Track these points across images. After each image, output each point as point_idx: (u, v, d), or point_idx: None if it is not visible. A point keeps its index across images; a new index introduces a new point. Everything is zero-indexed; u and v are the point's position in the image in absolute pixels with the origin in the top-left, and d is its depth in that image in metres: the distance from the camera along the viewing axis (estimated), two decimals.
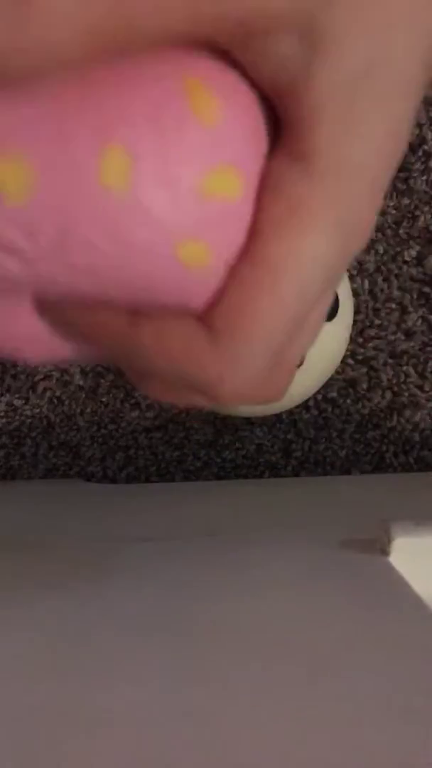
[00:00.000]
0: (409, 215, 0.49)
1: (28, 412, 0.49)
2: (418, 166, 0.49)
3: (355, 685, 0.25)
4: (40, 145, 0.13)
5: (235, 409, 0.44)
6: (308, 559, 0.35)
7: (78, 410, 0.49)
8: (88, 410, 0.49)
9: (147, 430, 0.50)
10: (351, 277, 0.49)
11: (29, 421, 0.49)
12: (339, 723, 0.22)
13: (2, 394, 0.49)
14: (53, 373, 0.49)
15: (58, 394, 0.49)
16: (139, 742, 0.22)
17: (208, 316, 0.15)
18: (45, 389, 0.49)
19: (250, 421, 0.50)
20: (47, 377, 0.49)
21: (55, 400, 0.49)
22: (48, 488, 0.48)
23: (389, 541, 0.35)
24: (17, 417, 0.49)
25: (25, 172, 0.13)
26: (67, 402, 0.49)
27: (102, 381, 0.49)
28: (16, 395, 0.49)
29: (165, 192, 0.13)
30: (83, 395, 0.49)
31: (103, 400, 0.49)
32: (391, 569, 0.34)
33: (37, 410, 0.49)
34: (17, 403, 0.49)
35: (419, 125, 0.48)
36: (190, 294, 0.15)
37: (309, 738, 0.22)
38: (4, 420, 0.49)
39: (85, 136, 0.13)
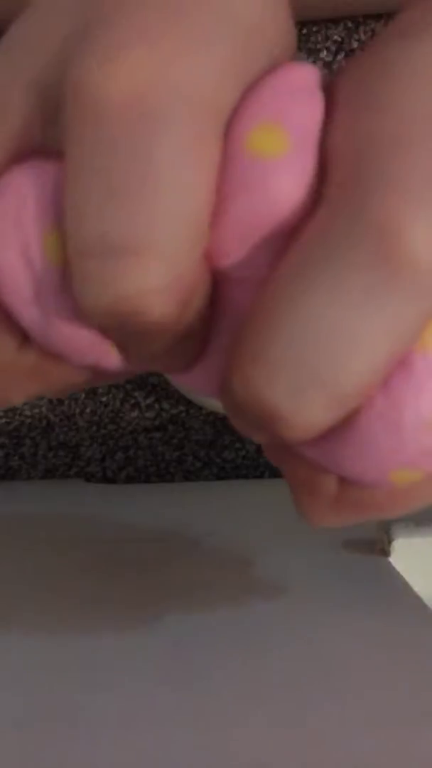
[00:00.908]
0: None
1: (28, 412, 0.49)
2: None
3: (355, 686, 0.24)
4: None
5: None
6: (308, 560, 0.35)
7: (77, 410, 0.49)
8: (88, 410, 0.49)
9: (147, 430, 0.50)
10: None
11: (28, 421, 0.49)
12: (339, 723, 0.22)
13: None
14: None
15: None
16: (138, 744, 0.22)
17: None
18: None
19: None
20: None
21: (55, 400, 0.49)
22: (47, 489, 0.48)
23: (389, 541, 0.35)
24: (16, 417, 0.49)
25: None
26: (66, 402, 0.49)
27: None
28: None
29: (389, 429, 0.13)
30: (82, 395, 0.49)
31: (103, 400, 0.49)
32: (391, 570, 0.34)
33: (37, 410, 0.49)
34: None
35: None
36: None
37: (309, 739, 0.22)
38: (3, 420, 0.49)
39: None
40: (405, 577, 0.33)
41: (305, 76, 0.13)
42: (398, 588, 0.32)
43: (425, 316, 0.12)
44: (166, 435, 0.50)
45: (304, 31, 0.46)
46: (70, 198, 0.12)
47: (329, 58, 0.47)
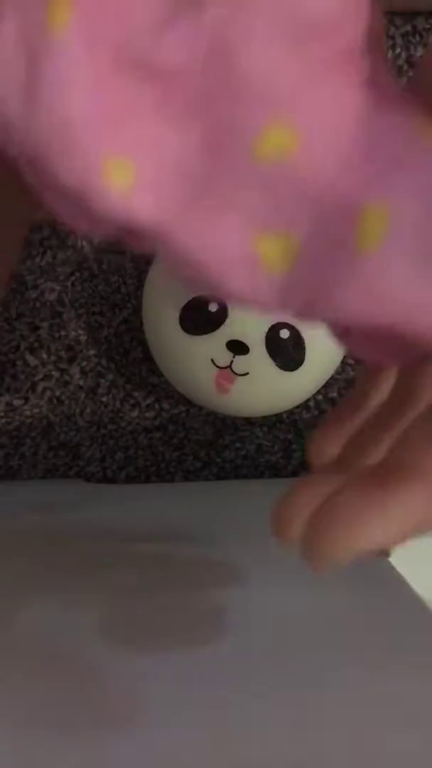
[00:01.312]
0: None
1: (28, 412, 0.49)
2: None
3: (355, 685, 0.24)
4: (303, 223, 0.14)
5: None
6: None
7: (77, 410, 0.49)
8: (88, 410, 0.49)
9: (147, 430, 0.50)
10: None
11: (29, 421, 0.49)
12: (339, 722, 0.22)
13: (2, 394, 0.49)
14: (53, 373, 0.49)
15: (57, 394, 0.49)
16: (138, 742, 0.22)
17: None
18: (44, 389, 0.49)
19: (250, 421, 0.50)
20: (47, 377, 0.49)
21: (55, 400, 0.49)
22: (47, 488, 0.48)
23: None
24: (17, 417, 0.49)
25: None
26: (66, 402, 0.49)
27: (101, 381, 0.49)
28: (16, 395, 0.49)
29: (412, 258, 0.14)
30: (83, 395, 0.49)
31: (103, 400, 0.49)
32: (391, 569, 0.34)
33: (37, 410, 0.49)
34: (17, 403, 0.49)
35: None
36: None
37: (309, 738, 0.22)
38: (3, 420, 0.49)
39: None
40: (405, 577, 0.33)
41: None
42: (398, 588, 0.32)
43: None
44: (166, 435, 0.50)
45: None
46: None
47: None
